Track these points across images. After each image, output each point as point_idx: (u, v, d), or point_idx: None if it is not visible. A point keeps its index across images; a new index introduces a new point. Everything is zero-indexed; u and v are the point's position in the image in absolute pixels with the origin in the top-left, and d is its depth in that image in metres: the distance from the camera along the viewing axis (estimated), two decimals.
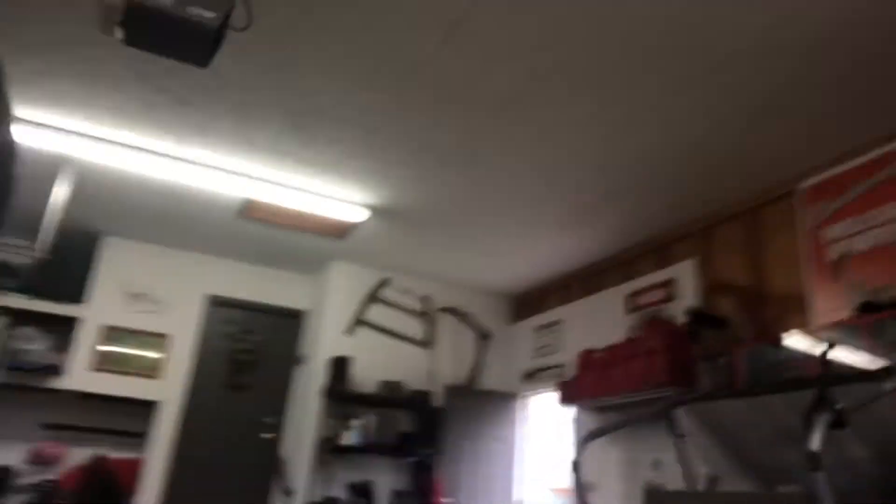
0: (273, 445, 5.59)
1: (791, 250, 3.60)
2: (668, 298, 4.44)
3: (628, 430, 4.29)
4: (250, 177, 4.23)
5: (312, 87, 3.24)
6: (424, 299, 5.94)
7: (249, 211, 4.77)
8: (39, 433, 5.03)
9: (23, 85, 3.39)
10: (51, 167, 4.07)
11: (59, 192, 4.10)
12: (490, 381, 5.95)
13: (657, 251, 4.67)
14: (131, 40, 1.90)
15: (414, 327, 5.86)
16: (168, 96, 3.42)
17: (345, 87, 3.20)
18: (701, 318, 3.94)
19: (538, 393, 5.67)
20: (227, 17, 1.85)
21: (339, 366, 5.32)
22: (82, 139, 3.87)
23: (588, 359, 4.62)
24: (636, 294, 4.76)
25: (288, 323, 5.95)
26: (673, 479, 3.58)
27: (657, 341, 3.96)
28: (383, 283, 5.79)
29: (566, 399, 4.72)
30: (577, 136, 3.49)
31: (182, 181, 4.33)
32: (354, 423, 5.22)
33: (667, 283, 4.49)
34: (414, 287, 5.89)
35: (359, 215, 4.61)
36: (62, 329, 5.10)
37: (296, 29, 2.78)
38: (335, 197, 4.43)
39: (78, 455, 5.09)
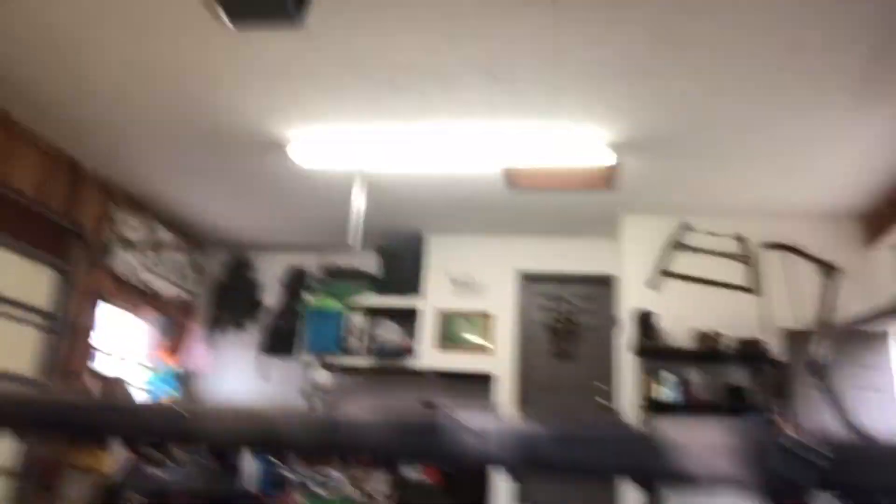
0: (609, 409, 5.61)
1: None
2: None
3: None
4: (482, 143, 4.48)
5: (495, 43, 3.39)
6: (739, 239, 5.27)
7: (513, 180, 5.00)
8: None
9: (291, 109, 4.24)
10: (345, 183, 5.09)
11: (358, 201, 5.09)
12: (847, 319, 4.90)
13: None
14: (232, 19, 2.38)
15: (732, 271, 5.23)
16: (391, 85, 3.88)
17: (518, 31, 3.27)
18: None
19: None
20: None
21: (646, 321, 5.10)
22: (354, 148, 4.61)
23: None
24: None
25: (598, 287, 5.94)
26: None
27: None
28: (683, 229, 5.34)
29: None
30: None
31: (443, 169, 4.83)
32: (671, 379, 4.94)
33: None
34: (721, 227, 5.28)
35: (608, 157, 4.45)
36: (407, 317, 6.13)
37: None
38: (576, 141, 4.35)
39: None
